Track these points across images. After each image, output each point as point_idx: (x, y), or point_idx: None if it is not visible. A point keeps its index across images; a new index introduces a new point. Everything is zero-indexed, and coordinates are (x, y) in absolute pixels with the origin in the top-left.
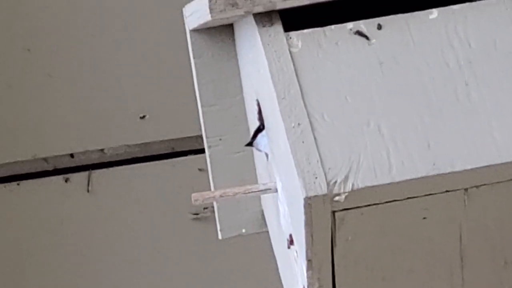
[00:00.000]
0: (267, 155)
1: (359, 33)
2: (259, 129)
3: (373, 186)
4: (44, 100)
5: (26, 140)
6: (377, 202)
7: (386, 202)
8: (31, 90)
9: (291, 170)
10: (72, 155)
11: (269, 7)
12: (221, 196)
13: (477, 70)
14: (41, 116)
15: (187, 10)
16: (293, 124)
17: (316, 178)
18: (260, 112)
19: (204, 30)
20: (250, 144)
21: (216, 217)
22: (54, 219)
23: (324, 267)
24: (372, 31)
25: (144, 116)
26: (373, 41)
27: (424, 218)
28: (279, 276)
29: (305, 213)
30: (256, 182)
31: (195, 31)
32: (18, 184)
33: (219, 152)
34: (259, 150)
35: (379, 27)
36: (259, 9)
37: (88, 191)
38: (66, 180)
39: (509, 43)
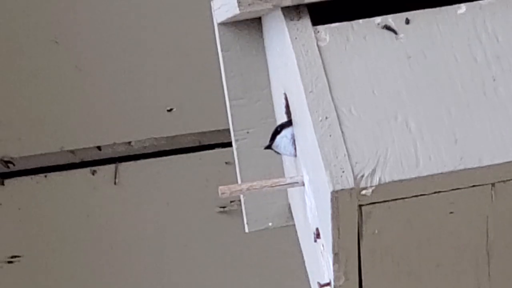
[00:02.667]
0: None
1: (387, 27)
2: (277, 131)
3: (400, 180)
4: (72, 92)
5: (54, 132)
6: (404, 196)
7: (413, 196)
8: (59, 82)
9: (318, 164)
10: (99, 148)
11: (297, 1)
12: (248, 189)
13: (505, 65)
14: (68, 109)
15: (216, 3)
16: (320, 118)
17: (343, 172)
18: (287, 106)
19: (232, 24)
20: (268, 147)
21: (243, 210)
22: (81, 211)
23: (351, 260)
24: (400, 25)
25: (171, 109)
26: (401, 35)
27: (451, 212)
28: (305, 270)
29: (332, 206)
30: (283, 175)
31: (223, 24)
32: (45, 176)
33: (246, 145)
34: (278, 153)
35: (407, 21)
36: (287, 2)
37: (115, 183)
38: (93, 173)
39: None
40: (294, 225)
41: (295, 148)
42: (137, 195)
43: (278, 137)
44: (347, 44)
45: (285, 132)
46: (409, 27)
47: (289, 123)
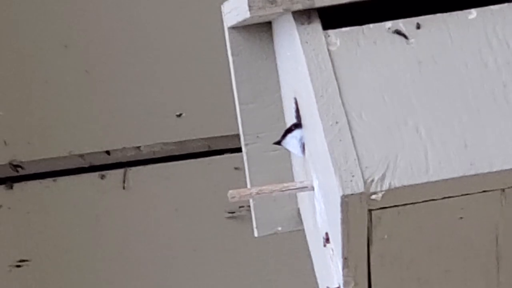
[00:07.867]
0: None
1: (398, 32)
2: (290, 129)
3: (410, 185)
4: (81, 96)
5: (63, 136)
6: (414, 201)
7: (423, 201)
8: (68, 86)
9: (328, 168)
10: (108, 152)
11: (308, 5)
12: (257, 193)
13: None
14: (77, 113)
15: (226, 7)
16: (330, 123)
17: (353, 176)
18: (297, 110)
19: (242, 28)
20: (278, 143)
21: (252, 214)
22: (89, 215)
23: (360, 265)
24: (410, 30)
25: (180, 114)
26: (412, 40)
27: (461, 218)
28: (315, 275)
29: (342, 211)
30: (292, 180)
31: (233, 28)
32: (54, 180)
33: (256, 150)
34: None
35: (418, 26)
36: (298, 6)
37: (123, 188)
38: (102, 177)
39: None
40: (303, 229)
41: (302, 150)
42: (145, 200)
43: (289, 136)
44: (357, 49)
45: (296, 133)
46: (419, 32)
47: (301, 124)
